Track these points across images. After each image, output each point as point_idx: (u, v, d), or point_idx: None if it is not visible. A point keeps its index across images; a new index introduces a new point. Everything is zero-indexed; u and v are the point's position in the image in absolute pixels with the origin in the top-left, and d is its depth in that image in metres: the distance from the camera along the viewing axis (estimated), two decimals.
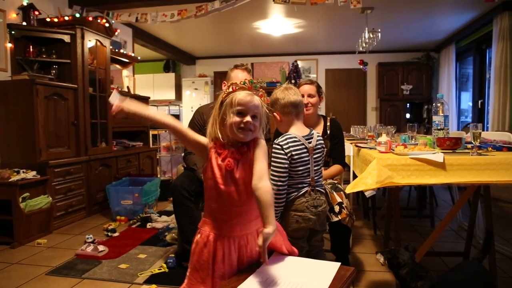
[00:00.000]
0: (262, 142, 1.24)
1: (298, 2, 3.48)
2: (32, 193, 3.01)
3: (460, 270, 1.63)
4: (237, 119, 1.18)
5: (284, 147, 1.58)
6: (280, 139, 1.61)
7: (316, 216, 1.64)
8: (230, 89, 1.21)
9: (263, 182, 1.14)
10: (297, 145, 1.60)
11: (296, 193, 1.62)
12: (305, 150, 1.62)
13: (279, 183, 1.58)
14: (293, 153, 1.58)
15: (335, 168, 2.28)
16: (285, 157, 1.57)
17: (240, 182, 1.20)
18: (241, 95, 1.20)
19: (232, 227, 1.20)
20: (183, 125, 1.30)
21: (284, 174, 1.58)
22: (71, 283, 2.20)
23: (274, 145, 1.61)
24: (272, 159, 1.60)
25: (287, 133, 1.64)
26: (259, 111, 1.23)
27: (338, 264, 1.17)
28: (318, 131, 2.10)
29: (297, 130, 1.66)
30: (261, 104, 1.24)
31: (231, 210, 1.20)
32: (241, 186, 1.20)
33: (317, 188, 1.67)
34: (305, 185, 1.63)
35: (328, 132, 2.33)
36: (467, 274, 1.58)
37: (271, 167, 1.60)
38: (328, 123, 2.36)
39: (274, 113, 1.71)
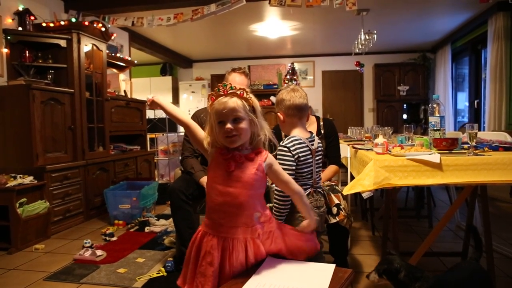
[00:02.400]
0: (270, 156, 1.28)
1: (293, 5, 3.49)
2: (29, 198, 3.00)
3: (457, 270, 1.63)
4: (218, 129, 1.20)
5: (291, 149, 1.58)
6: (286, 141, 1.61)
7: (319, 217, 1.65)
8: (210, 101, 1.23)
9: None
10: (302, 147, 1.61)
11: None
12: (309, 152, 1.63)
13: None
14: (300, 154, 1.59)
15: (332, 168, 2.29)
16: (292, 159, 1.57)
17: (238, 185, 1.20)
18: (215, 105, 1.20)
19: (220, 226, 1.22)
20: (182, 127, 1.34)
21: (291, 176, 1.58)
22: None
23: (280, 148, 1.60)
24: (279, 162, 1.59)
25: (292, 136, 1.65)
26: (240, 112, 1.18)
27: (333, 266, 1.18)
28: (312, 130, 2.11)
29: (300, 132, 1.67)
30: (243, 103, 1.20)
31: (222, 209, 1.22)
32: (238, 188, 1.20)
33: (318, 190, 1.69)
34: (308, 186, 1.64)
35: (322, 131, 2.34)
36: (465, 274, 1.57)
37: None
38: (321, 123, 2.37)
39: (278, 113, 1.72)
